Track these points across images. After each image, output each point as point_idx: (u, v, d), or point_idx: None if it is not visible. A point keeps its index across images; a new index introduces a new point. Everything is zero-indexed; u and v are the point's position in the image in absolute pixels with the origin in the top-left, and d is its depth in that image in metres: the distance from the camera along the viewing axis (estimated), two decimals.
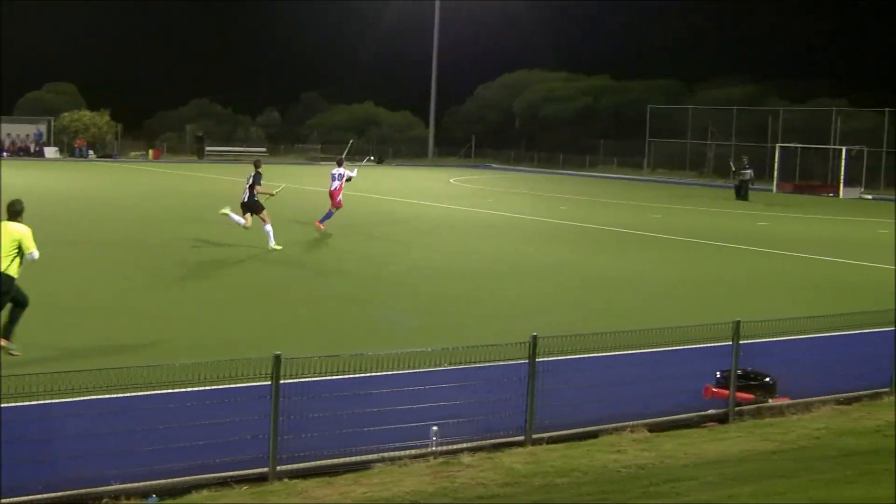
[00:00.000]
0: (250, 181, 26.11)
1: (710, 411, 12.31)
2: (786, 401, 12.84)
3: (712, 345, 12.62)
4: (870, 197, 60.69)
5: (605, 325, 16.90)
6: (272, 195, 27.07)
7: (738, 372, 12.49)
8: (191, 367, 10.45)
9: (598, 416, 11.54)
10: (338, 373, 11.29)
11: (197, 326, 16.29)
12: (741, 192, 52.28)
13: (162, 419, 10.24)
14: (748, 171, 53.08)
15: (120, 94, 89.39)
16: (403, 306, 18.63)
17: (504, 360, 11.14)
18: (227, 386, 10.23)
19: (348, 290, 20.17)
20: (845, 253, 29.79)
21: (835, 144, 67.30)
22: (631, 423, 11.56)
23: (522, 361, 11.00)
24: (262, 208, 25.93)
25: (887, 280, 24.78)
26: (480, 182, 61.76)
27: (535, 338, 10.91)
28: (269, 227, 25.53)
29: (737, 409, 12.35)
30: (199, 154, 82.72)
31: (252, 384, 9.94)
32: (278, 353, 9.66)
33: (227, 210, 26.20)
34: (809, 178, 68.01)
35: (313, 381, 10.71)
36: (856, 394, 13.47)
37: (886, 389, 13.71)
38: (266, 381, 9.62)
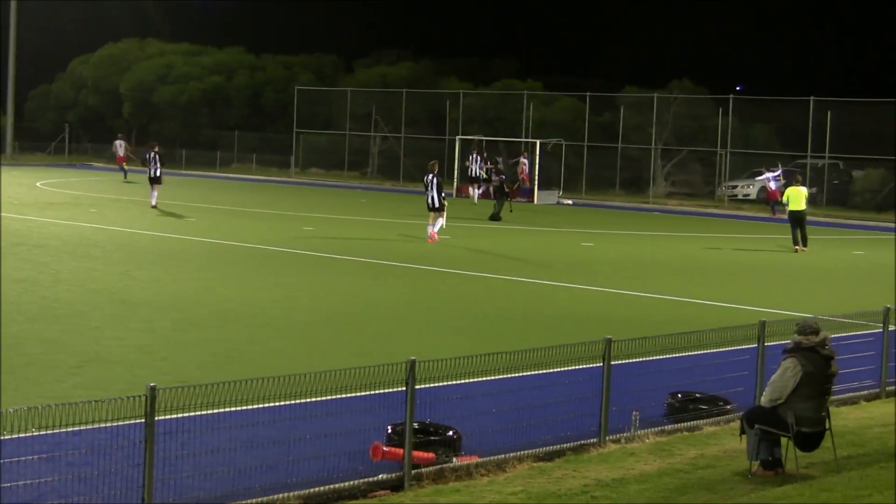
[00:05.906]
0: (434, 185, 36.28)
1: (380, 476, 12.41)
2: (474, 459, 13.11)
3: (380, 392, 12.71)
4: (570, 202, 63.30)
5: (232, 373, 16.79)
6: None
7: (415, 425, 12.66)
8: None
9: (233, 489, 11.42)
10: None
11: None
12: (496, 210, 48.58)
13: None
14: (498, 178, 50.61)
15: None
16: None
17: (107, 422, 10.80)
18: None
19: None
20: (541, 272, 30.93)
21: (527, 137, 69.76)
22: (279, 495, 11.50)
23: (134, 422, 10.73)
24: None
25: (591, 305, 25.89)
26: (79, 186, 60.34)
27: (153, 389, 10.65)
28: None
29: (414, 472, 12.51)
30: None
31: None
32: None
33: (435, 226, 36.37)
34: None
35: None
36: (558, 447, 13.92)
37: (593, 440, 14.25)
38: None
